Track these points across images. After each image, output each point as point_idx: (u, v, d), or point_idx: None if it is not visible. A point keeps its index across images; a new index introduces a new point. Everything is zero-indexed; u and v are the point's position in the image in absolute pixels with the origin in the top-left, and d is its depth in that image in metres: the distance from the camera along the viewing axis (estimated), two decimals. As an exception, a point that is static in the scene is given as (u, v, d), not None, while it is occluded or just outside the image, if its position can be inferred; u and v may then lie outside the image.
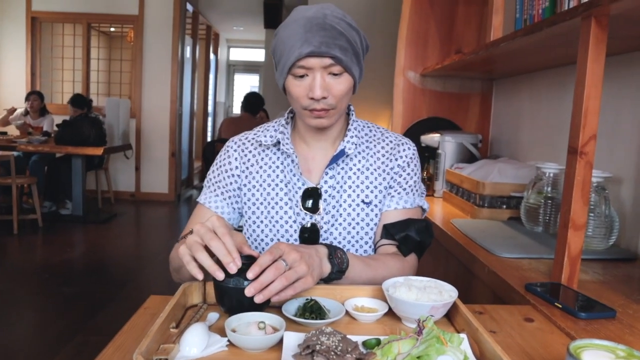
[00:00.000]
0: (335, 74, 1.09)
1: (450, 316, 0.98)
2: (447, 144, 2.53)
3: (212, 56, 10.45)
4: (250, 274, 0.88)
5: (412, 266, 1.22)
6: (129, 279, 3.93)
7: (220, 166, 1.28)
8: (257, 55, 12.67)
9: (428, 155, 2.70)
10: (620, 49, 1.60)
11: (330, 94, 1.10)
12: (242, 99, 5.35)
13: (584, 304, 1.10)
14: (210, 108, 10.59)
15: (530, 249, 1.54)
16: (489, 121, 2.85)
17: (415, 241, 1.20)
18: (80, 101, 5.79)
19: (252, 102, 5.24)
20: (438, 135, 2.57)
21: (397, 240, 1.20)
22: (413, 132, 2.79)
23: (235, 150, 1.28)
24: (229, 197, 1.26)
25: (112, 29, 8.58)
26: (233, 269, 0.88)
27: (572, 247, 1.20)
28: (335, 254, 1.04)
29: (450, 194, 2.35)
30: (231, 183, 1.26)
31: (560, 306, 1.08)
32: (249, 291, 0.87)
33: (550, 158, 2.09)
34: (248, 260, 0.93)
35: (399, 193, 1.24)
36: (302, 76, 1.10)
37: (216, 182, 1.28)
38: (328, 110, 1.12)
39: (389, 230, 1.21)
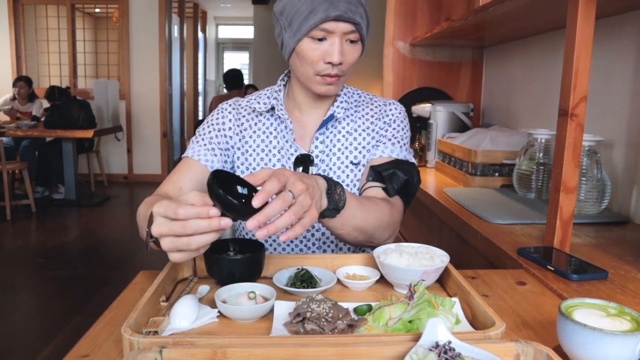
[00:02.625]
0: (352, 41, 1.09)
1: (443, 281, 0.97)
2: (438, 114, 2.51)
3: (200, 34, 10.29)
4: (255, 202, 0.75)
5: (400, 210, 1.16)
6: (124, 261, 3.93)
7: (212, 124, 1.25)
8: (246, 32, 12.50)
9: (420, 126, 2.68)
10: (611, 11, 1.58)
11: (345, 60, 1.09)
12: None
13: (576, 266, 1.10)
14: (200, 87, 10.48)
15: (523, 214, 1.54)
16: (480, 90, 2.83)
17: (402, 179, 1.15)
18: (52, 94, 5.71)
19: (233, 77, 5.52)
20: (429, 105, 2.55)
21: (384, 178, 1.14)
22: (404, 103, 2.76)
23: (229, 112, 1.26)
24: (220, 154, 1.23)
25: (97, 10, 8.43)
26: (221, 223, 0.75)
27: (564, 210, 1.19)
28: (335, 189, 0.95)
29: (442, 163, 2.34)
30: (223, 142, 1.24)
31: (552, 269, 1.08)
32: (251, 224, 0.75)
33: (542, 124, 2.08)
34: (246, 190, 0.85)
35: (384, 144, 1.22)
36: (320, 39, 1.07)
37: (207, 138, 1.24)
38: (339, 77, 1.12)
39: (376, 168, 1.16)
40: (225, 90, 5.93)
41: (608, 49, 1.65)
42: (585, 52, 1.13)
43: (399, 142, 1.23)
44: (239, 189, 0.83)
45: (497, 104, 2.64)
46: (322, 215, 0.94)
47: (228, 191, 0.76)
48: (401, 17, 2.78)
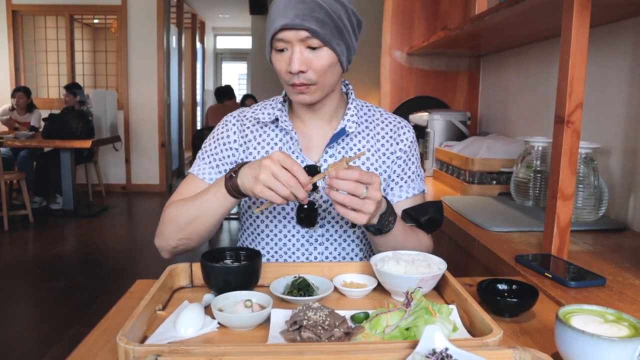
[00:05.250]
0: (313, 48, 1.07)
1: (440, 289, 0.97)
2: (435, 123, 2.52)
3: (198, 45, 10.33)
4: (332, 171, 0.93)
5: (431, 241, 1.26)
6: (122, 271, 3.91)
7: (218, 139, 1.25)
8: (244, 42, 12.55)
9: (417, 135, 2.69)
10: (605, 19, 1.59)
11: (310, 68, 1.08)
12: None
13: (574, 273, 1.10)
14: (198, 97, 10.51)
15: (521, 222, 1.54)
16: (477, 98, 2.84)
17: (438, 220, 1.22)
18: (72, 87, 5.92)
19: (224, 91, 6.06)
20: (426, 114, 2.56)
21: (422, 222, 1.21)
22: (401, 112, 2.77)
23: (234, 125, 1.25)
24: (224, 170, 1.22)
25: (95, 21, 8.46)
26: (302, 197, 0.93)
27: (561, 218, 1.19)
28: (388, 217, 1.05)
29: (440, 172, 2.35)
30: (228, 156, 1.23)
31: (550, 276, 1.08)
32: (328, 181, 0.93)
33: (539, 132, 2.09)
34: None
35: (405, 182, 1.26)
36: (282, 50, 1.09)
37: (212, 155, 1.24)
38: (308, 86, 1.10)
39: (410, 214, 1.22)
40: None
41: (603, 56, 1.66)
42: (580, 59, 1.14)
43: (418, 175, 1.29)
44: None
45: (494, 112, 2.65)
46: (367, 228, 1.06)
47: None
48: (398, 26, 2.79)
